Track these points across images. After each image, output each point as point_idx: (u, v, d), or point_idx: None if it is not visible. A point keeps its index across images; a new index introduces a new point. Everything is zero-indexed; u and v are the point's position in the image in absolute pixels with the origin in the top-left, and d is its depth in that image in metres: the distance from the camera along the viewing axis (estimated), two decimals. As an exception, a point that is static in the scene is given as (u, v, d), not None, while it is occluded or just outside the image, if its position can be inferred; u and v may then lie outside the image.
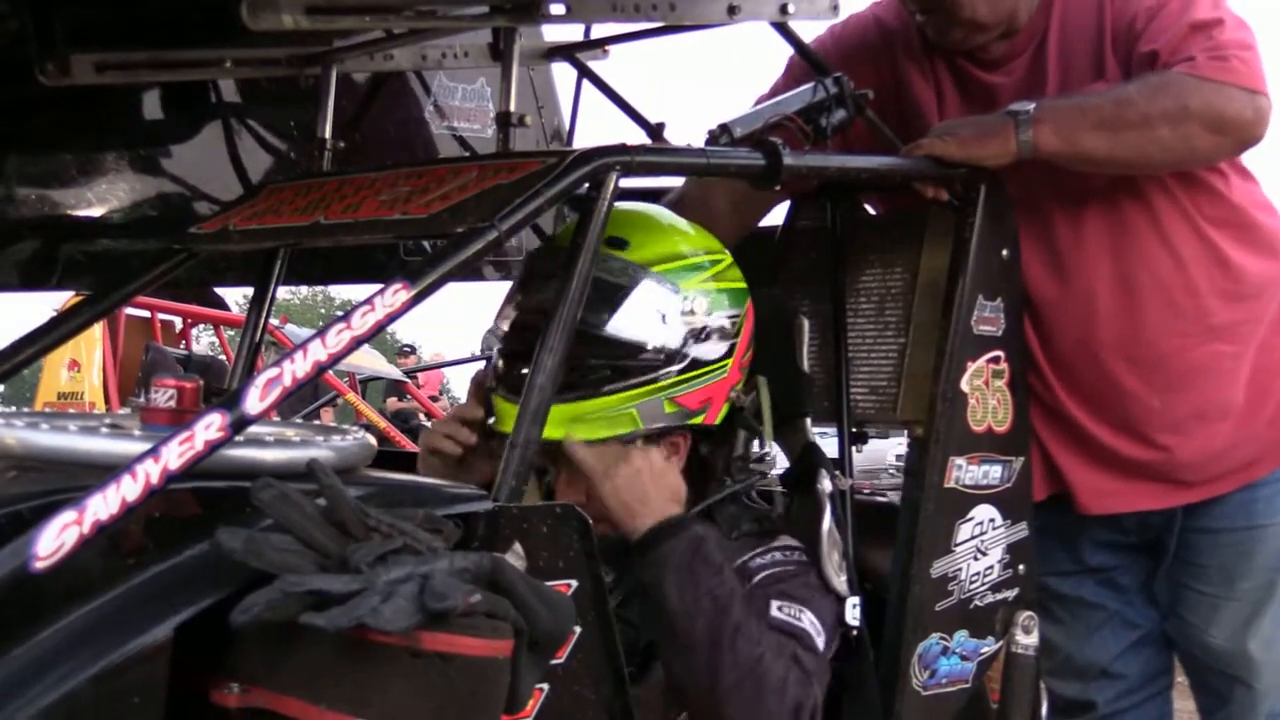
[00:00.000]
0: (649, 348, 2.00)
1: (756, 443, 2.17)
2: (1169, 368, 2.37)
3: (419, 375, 12.43)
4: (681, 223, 2.16)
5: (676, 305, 2.01)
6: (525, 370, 1.77)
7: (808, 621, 1.98)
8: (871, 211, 2.55)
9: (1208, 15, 2.23)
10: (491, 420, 2.04)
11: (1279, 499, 2.45)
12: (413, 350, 14.00)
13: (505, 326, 2.09)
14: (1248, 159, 2.43)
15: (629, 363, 1.99)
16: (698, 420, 2.05)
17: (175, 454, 1.44)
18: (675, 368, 2.01)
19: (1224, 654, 2.50)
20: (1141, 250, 2.35)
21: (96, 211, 2.96)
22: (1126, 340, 2.37)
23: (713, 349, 2.04)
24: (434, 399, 10.25)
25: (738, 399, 2.10)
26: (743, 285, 2.12)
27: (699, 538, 1.91)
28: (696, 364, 2.03)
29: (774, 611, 1.96)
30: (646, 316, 2.00)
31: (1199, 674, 2.60)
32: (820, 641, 1.98)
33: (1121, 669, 2.60)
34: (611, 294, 1.98)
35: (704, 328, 2.04)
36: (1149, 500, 2.44)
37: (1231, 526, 2.45)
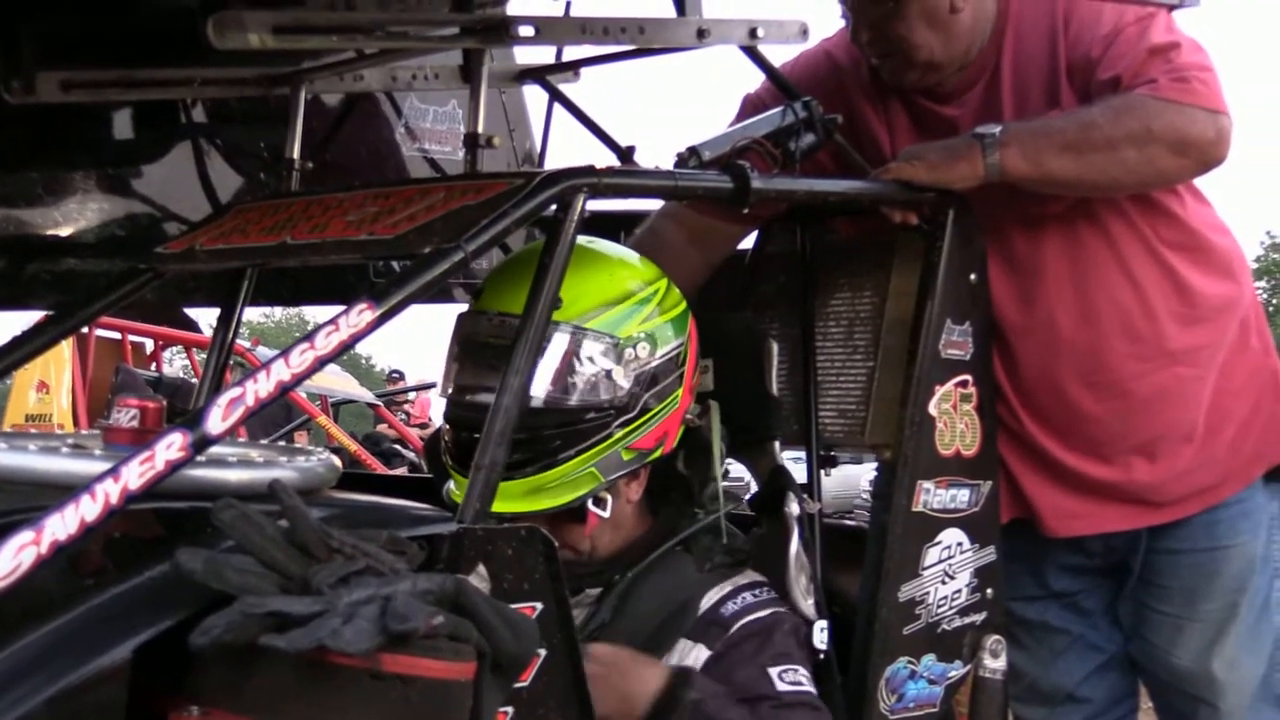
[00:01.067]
0: (600, 408, 1.99)
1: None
2: (1131, 392, 2.38)
3: (412, 403, 12.38)
4: (610, 256, 2.12)
5: (619, 357, 2.00)
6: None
7: (805, 679, 1.99)
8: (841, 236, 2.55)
9: (1165, 39, 2.25)
10: (450, 486, 2.03)
11: (1241, 521, 2.46)
12: (401, 376, 13.96)
13: (450, 390, 2.07)
14: (1202, 181, 2.45)
15: (582, 426, 1.98)
16: (656, 455, 2.05)
17: (136, 474, 1.42)
18: (628, 417, 2.01)
19: (1188, 675, 2.50)
20: (1100, 276, 2.36)
21: (63, 231, 2.95)
22: (1088, 366, 2.38)
23: (661, 387, 2.04)
24: (424, 426, 10.22)
25: (691, 421, 2.10)
26: (682, 306, 2.11)
27: (697, 703, 1.90)
28: (649, 405, 2.03)
29: (779, 685, 1.97)
30: (591, 378, 1.99)
31: (1163, 696, 2.60)
32: (816, 692, 2.00)
33: (1087, 693, 2.60)
34: (555, 362, 1.96)
35: (651, 370, 2.02)
36: (1114, 522, 2.45)
37: (1194, 548, 2.46)
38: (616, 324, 2.01)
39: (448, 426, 2.07)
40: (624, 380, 2.00)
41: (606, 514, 2.02)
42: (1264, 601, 2.50)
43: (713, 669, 1.98)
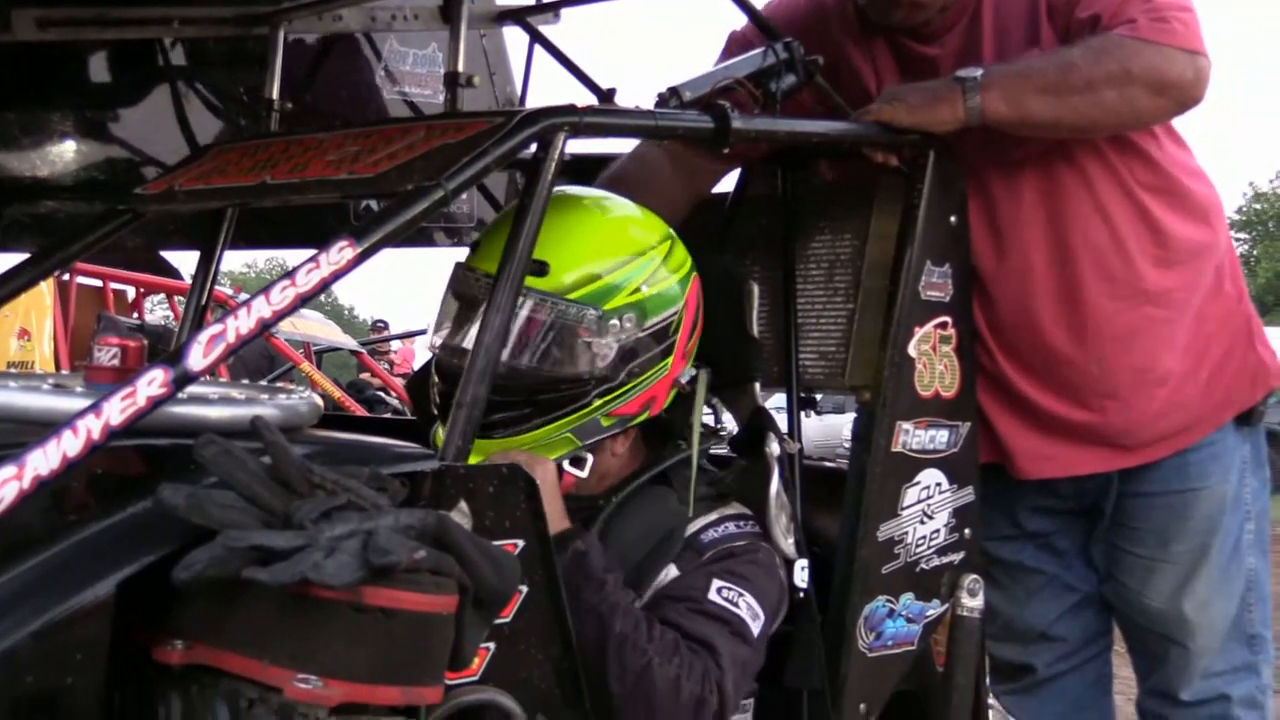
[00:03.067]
0: (577, 379, 1.99)
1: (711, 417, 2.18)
2: (1104, 332, 2.39)
3: (395, 354, 12.36)
4: (613, 215, 2.11)
5: (602, 329, 1.99)
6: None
7: (745, 606, 1.98)
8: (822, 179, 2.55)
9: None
10: (437, 429, 2.02)
11: (1211, 463, 2.49)
12: (385, 325, 13.96)
13: (438, 342, 2.07)
14: (1181, 124, 2.46)
15: (559, 395, 1.98)
16: (642, 418, 2.06)
17: (117, 410, 1.43)
18: (608, 386, 2.01)
19: (1160, 616, 2.53)
20: (1075, 215, 2.37)
21: (40, 173, 2.93)
22: (1063, 306, 2.39)
23: (647, 358, 2.04)
24: (406, 376, 10.23)
25: (683, 388, 2.11)
26: (683, 272, 2.09)
27: (579, 553, 1.89)
28: (633, 374, 2.03)
29: (712, 594, 1.96)
30: (572, 349, 1.98)
31: (1135, 637, 2.63)
32: (755, 626, 1.98)
33: (1061, 632, 2.64)
34: (534, 331, 1.96)
35: (635, 344, 2.02)
36: (1086, 465, 2.47)
37: (1165, 490, 2.48)
38: (603, 296, 2.00)
39: (437, 377, 2.08)
40: (605, 351, 2.00)
41: (584, 474, 2.03)
42: (1235, 543, 2.52)
43: (670, 583, 1.98)
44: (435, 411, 2.05)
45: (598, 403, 2.00)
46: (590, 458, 2.04)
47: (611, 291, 2.00)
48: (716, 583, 1.97)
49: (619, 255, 2.03)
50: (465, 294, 2.04)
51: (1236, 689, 2.53)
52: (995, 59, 2.32)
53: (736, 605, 1.97)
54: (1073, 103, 2.21)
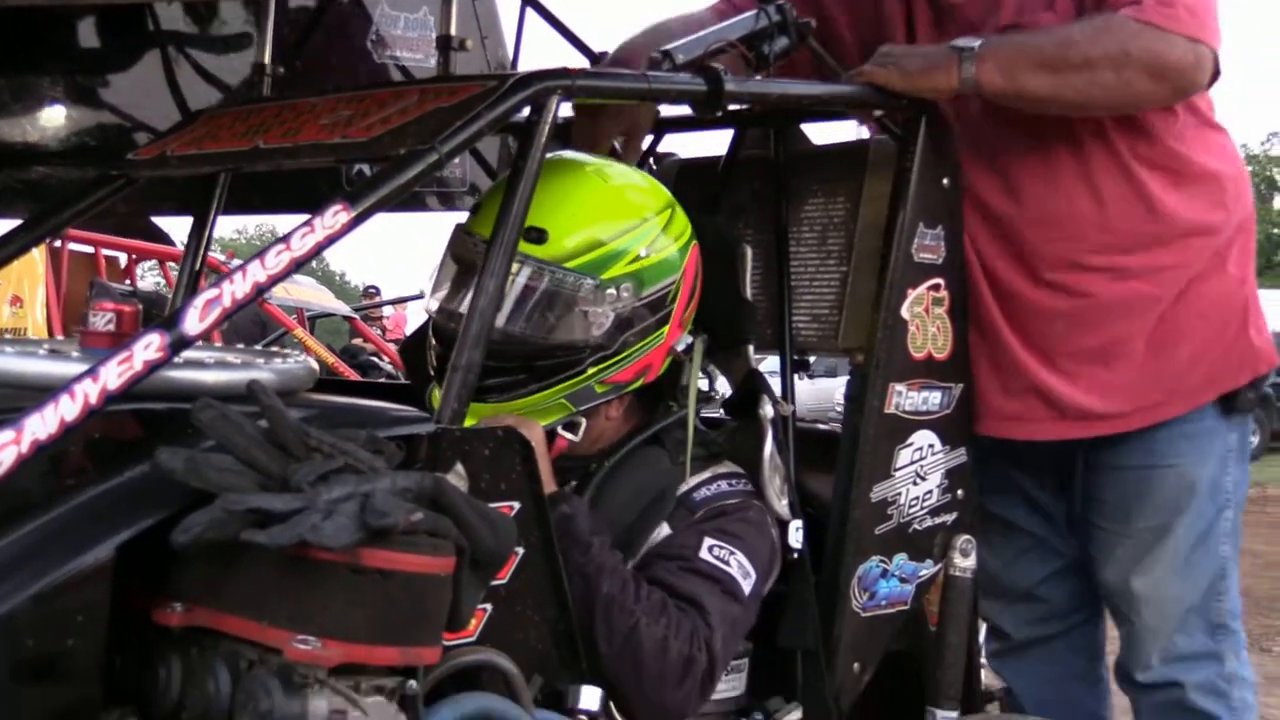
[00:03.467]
0: (573, 347, 2.00)
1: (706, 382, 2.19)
2: (1081, 296, 2.37)
3: (387, 320, 12.34)
4: (613, 181, 2.11)
5: (599, 298, 2.00)
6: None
7: (735, 565, 1.99)
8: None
9: None
10: (433, 390, 2.03)
11: (1182, 442, 2.44)
12: (377, 291, 13.98)
13: (435, 306, 2.08)
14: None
15: (553, 362, 1.99)
16: (636, 385, 2.07)
17: (114, 374, 1.43)
18: (603, 354, 2.02)
19: (1111, 589, 2.52)
20: (1063, 184, 2.36)
21: (32, 138, 2.92)
22: (1042, 265, 2.36)
23: (642, 327, 2.04)
24: (399, 342, 10.23)
25: (679, 355, 2.12)
26: (683, 240, 2.10)
27: (566, 516, 1.89)
28: (628, 343, 2.04)
29: (703, 553, 1.97)
30: (568, 317, 1.99)
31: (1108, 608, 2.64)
32: (747, 585, 1.99)
33: (1045, 594, 2.63)
34: (530, 298, 1.97)
35: (630, 313, 2.03)
36: (1047, 431, 2.43)
37: (1129, 464, 2.45)
38: (601, 265, 2.00)
39: (434, 340, 2.08)
40: (602, 320, 2.00)
41: (577, 438, 2.04)
42: (1207, 530, 2.46)
43: (663, 541, 1.99)
44: (432, 374, 2.06)
45: (592, 370, 2.01)
46: (584, 422, 2.05)
47: (609, 260, 2.01)
48: (708, 541, 1.98)
49: (618, 222, 2.03)
50: (462, 257, 2.05)
51: (1193, 675, 2.48)
52: (1013, 17, 2.31)
53: (727, 563, 1.97)
54: (1069, 80, 2.21)
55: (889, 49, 2.29)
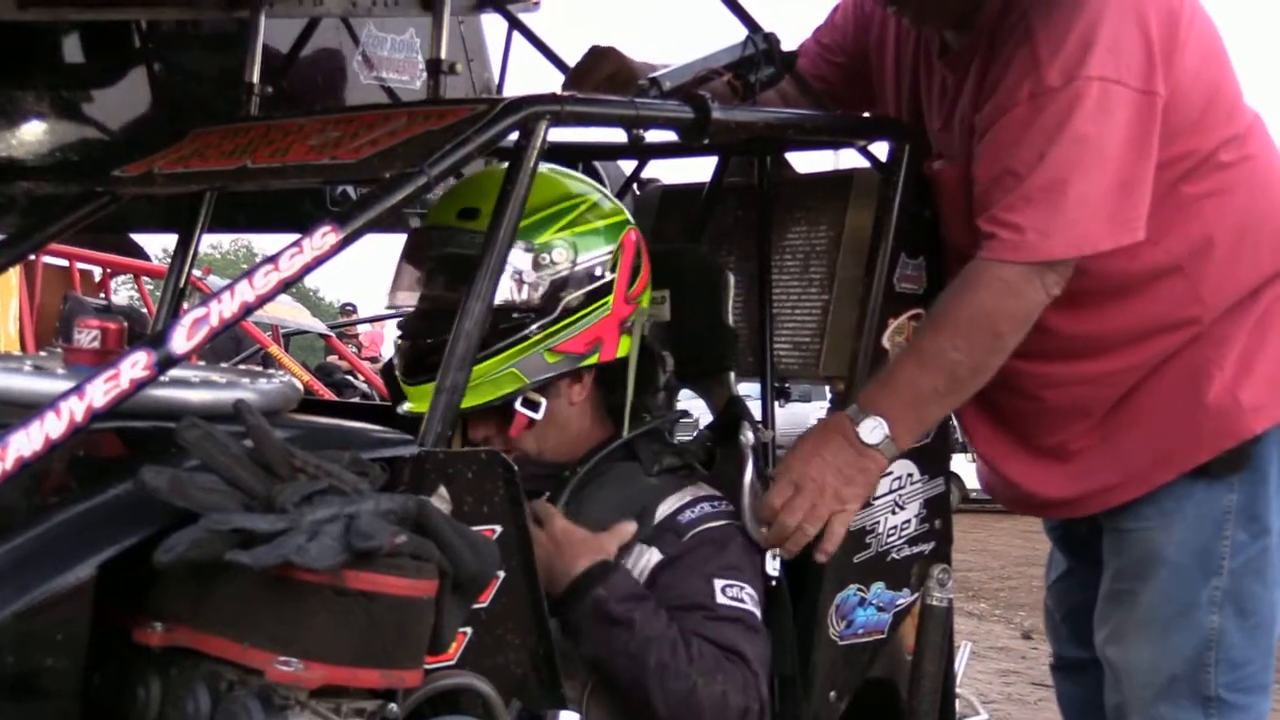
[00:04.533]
0: (514, 308, 2.02)
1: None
2: (1036, 403, 2.38)
3: (362, 337, 12.32)
4: (542, 170, 2.10)
5: (531, 261, 2.03)
6: (436, 361, 1.77)
7: (748, 598, 2.03)
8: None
9: (1026, 159, 2.09)
10: (406, 406, 2.04)
11: (1145, 507, 2.35)
12: (354, 309, 13.96)
13: (404, 302, 2.11)
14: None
15: (497, 328, 2.00)
16: (592, 360, 2.08)
17: (100, 392, 1.43)
18: (545, 319, 2.03)
19: (1099, 653, 2.47)
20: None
21: (16, 154, 2.91)
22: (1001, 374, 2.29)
23: (587, 291, 2.06)
24: (375, 360, 10.19)
25: (637, 327, 2.12)
26: (614, 220, 2.13)
27: (599, 599, 1.93)
28: (569, 311, 2.05)
29: (720, 596, 2.00)
30: (503, 281, 1.98)
31: None
32: (759, 613, 2.04)
33: (1080, 619, 2.56)
34: (464, 264, 1.95)
35: (567, 276, 2.05)
36: (1011, 508, 2.59)
37: (1107, 525, 2.42)
38: (530, 233, 2.03)
39: (400, 340, 2.10)
40: (538, 282, 2.03)
41: (538, 415, 2.05)
42: (1190, 600, 2.32)
43: (662, 574, 2.02)
44: (400, 374, 2.07)
45: (537, 335, 2.03)
46: (544, 402, 2.06)
47: (539, 226, 2.05)
48: (719, 582, 2.01)
49: (548, 198, 2.08)
50: (429, 251, 2.08)
51: None
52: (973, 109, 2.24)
53: (743, 600, 2.02)
54: (968, 388, 2.19)
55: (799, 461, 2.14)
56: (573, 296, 2.05)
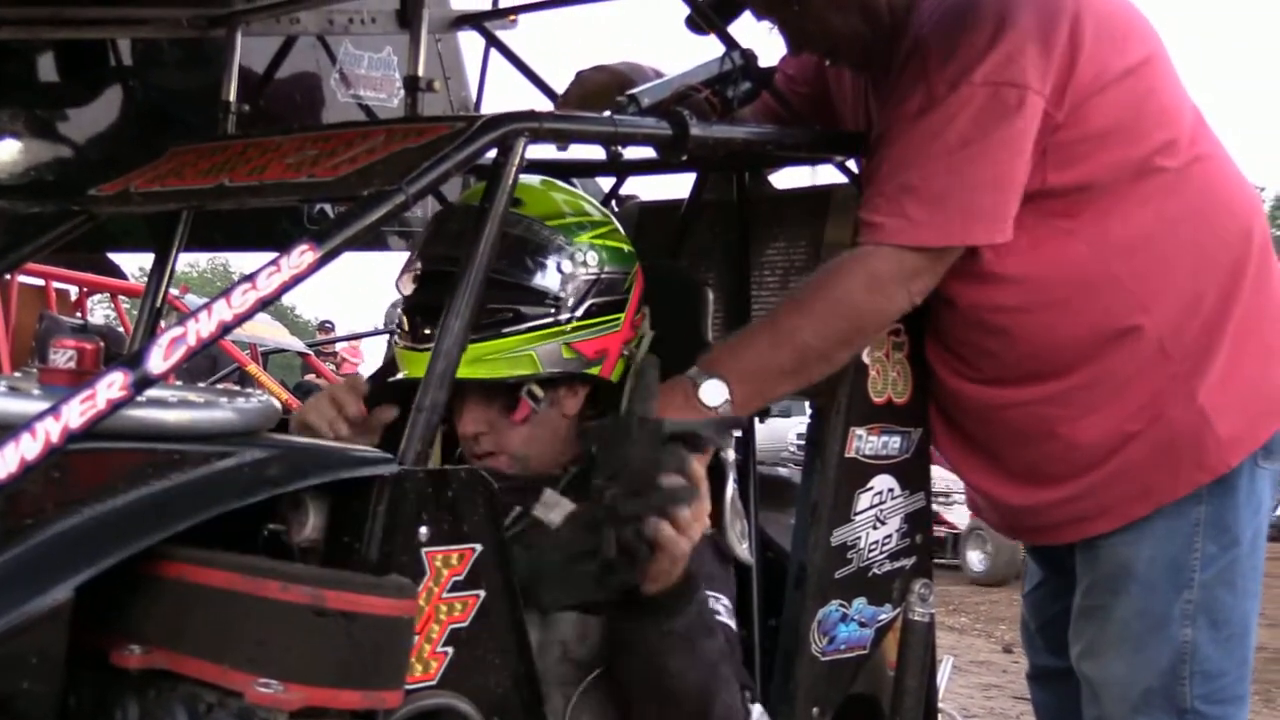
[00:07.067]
0: (547, 294, 2.04)
1: None
2: (990, 423, 2.38)
3: (340, 354, 12.28)
4: (570, 188, 2.20)
5: (571, 256, 2.05)
6: (431, 330, 1.77)
7: (725, 608, 2.02)
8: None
9: (908, 158, 2.16)
10: (400, 375, 2.04)
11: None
12: (332, 326, 13.93)
13: (409, 283, 2.10)
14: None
15: (528, 308, 2.02)
16: (594, 370, 2.08)
17: (76, 412, 1.42)
18: (572, 314, 2.05)
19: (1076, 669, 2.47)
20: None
21: (-8, 172, 2.90)
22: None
23: (607, 300, 2.08)
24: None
25: (631, 354, 2.12)
26: (629, 248, 2.15)
27: (703, 600, 1.92)
28: (592, 312, 2.06)
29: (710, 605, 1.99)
30: (545, 265, 2.04)
31: None
32: (733, 622, 2.03)
33: (1055, 630, 2.56)
34: (511, 244, 2.00)
35: (597, 279, 2.07)
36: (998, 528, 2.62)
37: (1064, 542, 2.43)
38: (570, 231, 2.07)
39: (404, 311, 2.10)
40: (574, 277, 2.05)
41: (539, 409, 2.06)
42: (1163, 613, 2.31)
43: None
44: (400, 343, 2.06)
45: (563, 326, 2.04)
46: (544, 396, 2.06)
47: (577, 229, 2.08)
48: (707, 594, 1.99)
49: (581, 207, 2.13)
50: (447, 229, 2.09)
51: None
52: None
53: (720, 613, 2.00)
54: (815, 371, 2.18)
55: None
56: (595, 302, 2.07)
